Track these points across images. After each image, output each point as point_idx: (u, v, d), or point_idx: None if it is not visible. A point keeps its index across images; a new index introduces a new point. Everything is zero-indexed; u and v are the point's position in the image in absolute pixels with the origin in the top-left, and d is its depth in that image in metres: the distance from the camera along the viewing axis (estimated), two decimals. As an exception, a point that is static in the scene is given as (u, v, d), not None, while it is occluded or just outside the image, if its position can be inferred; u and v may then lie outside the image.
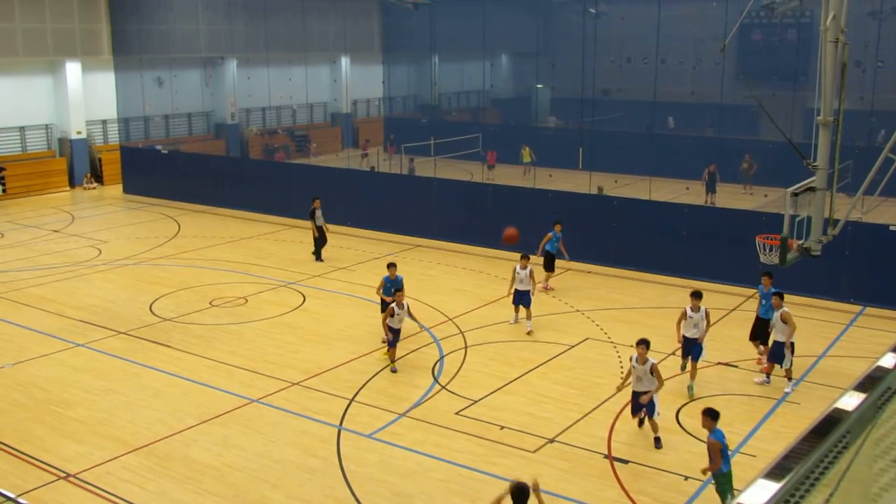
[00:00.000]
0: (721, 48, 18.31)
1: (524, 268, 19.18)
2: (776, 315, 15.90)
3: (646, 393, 13.76)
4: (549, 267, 22.60)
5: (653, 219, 24.52)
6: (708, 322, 16.05)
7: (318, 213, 25.60)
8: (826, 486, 2.86)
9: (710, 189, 32.28)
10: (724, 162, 33.75)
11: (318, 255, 25.92)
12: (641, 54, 38.66)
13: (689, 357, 16.13)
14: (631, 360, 14.01)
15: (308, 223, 26.07)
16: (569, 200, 26.44)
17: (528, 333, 19.03)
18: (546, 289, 22.48)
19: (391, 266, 18.56)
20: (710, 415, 11.46)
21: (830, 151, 15.02)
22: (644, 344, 13.82)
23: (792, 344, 15.74)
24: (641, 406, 13.92)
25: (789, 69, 36.66)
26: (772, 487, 2.76)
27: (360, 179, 32.07)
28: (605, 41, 35.71)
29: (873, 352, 18.15)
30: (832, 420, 3.07)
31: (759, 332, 17.13)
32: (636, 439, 14.10)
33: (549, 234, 22.38)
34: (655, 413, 13.87)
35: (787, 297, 21.55)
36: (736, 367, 17.13)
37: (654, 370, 13.69)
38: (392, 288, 17.83)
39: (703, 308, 15.89)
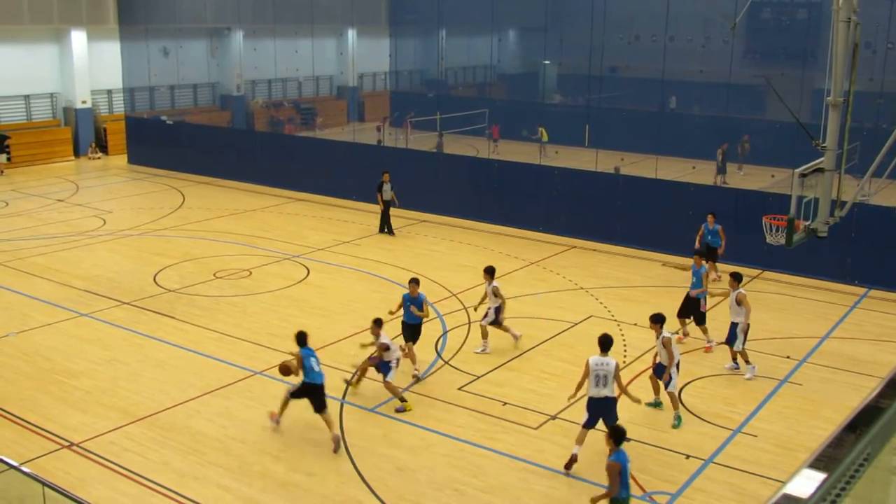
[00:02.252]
0: (732, 27, 18.19)
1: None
2: (732, 296, 15.67)
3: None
4: (713, 258, 20.98)
5: (658, 197, 24.45)
6: (670, 353, 13.77)
7: (387, 186, 25.53)
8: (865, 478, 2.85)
9: (722, 170, 32.13)
10: (732, 141, 33.62)
11: (386, 228, 25.88)
12: (650, 31, 38.36)
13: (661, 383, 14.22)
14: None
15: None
16: (574, 178, 26.37)
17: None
18: (717, 277, 21.00)
19: (413, 282, 15.89)
20: (613, 436, 10.33)
21: (839, 132, 14.93)
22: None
23: (747, 326, 15.51)
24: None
25: (799, 49, 36.37)
26: (818, 477, 2.74)
27: (364, 153, 31.98)
28: (613, 17, 35.35)
29: (877, 334, 18.17)
30: (872, 410, 3.05)
31: (689, 308, 17.15)
32: (638, 417, 14.11)
33: (702, 228, 21.12)
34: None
35: (790, 277, 21.67)
36: (739, 347, 17.12)
37: None
38: (410, 304, 15.61)
39: (662, 334, 13.81)
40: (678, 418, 13.90)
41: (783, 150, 28.20)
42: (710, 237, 21.08)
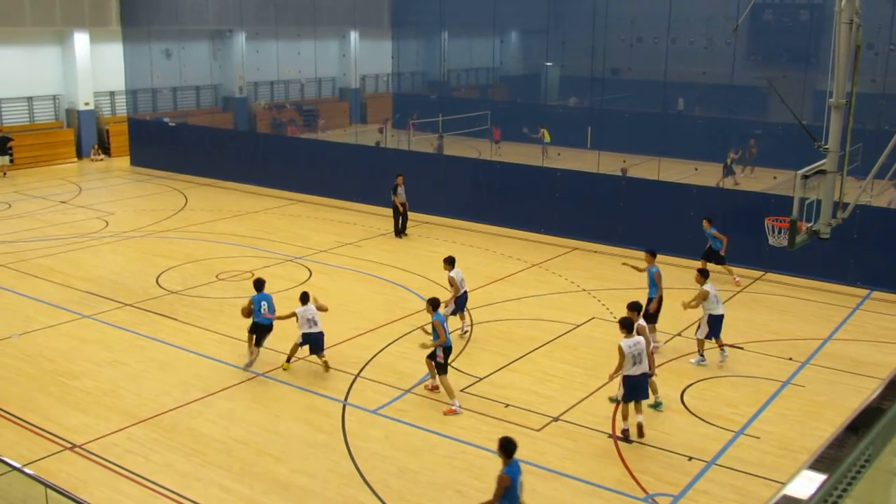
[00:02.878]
0: (734, 28, 18.20)
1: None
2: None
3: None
4: (718, 261, 21.22)
5: (660, 199, 24.45)
6: (646, 340, 13.66)
7: (400, 189, 25.59)
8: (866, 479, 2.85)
9: (730, 172, 31.97)
10: (734, 143, 33.59)
11: (399, 231, 25.97)
12: (652, 33, 38.38)
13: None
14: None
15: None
16: (576, 179, 26.38)
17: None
18: (736, 282, 21.37)
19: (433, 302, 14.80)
20: (504, 448, 9.88)
21: (841, 134, 14.94)
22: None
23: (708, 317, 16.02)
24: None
25: (801, 50, 36.38)
26: (818, 478, 2.74)
27: (366, 155, 32.01)
28: (615, 19, 35.43)
29: (879, 336, 18.16)
30: (873, 412, 3.05)
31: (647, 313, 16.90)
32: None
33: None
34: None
35: (793, 279, 21.70)
36: (741, 348, 17.12)
37: None
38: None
39: (638, 321, 13.93)
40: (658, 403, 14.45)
41: (785, 151, 28.18)
42: (710, 241, 21.26)
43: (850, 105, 14.85)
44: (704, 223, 21.23)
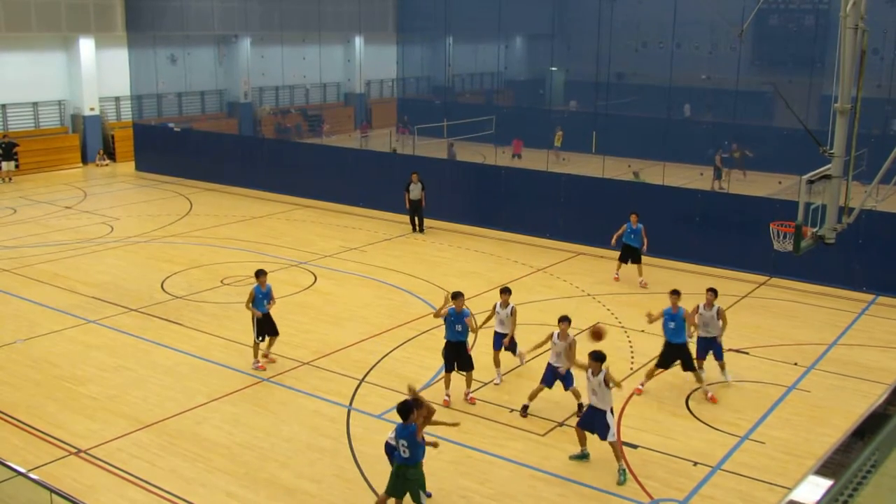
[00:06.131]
0: (739, 34, 18.21)
1: (505, 305, 15.71)
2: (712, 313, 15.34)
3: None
4: (623, 259, 21.79)
5: (665, 204, 24.41)
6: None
7: (413, 186, 26.22)
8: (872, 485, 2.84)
9: (718, 176, 31.96)
10: (725, 148, 33.55)
11: (418, 227, 26.73)
12: (657, 38, 38.42)
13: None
14: (552, 336, 14.33)
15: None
16: (581, 184, 26.37)
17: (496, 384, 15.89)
18: (616, 279, 22.06)
19: (458, 297, 14.74)
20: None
21: (847, 139, 14.92)
22: (566, 321, 14.31)
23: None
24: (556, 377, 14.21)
25: (806, 55, 36.40)
26: (824, 484, 2.73)
27: (372, 160, 32.03)
28: (620, 24, 35.45)
29: (885, 341, 18.11)
30: (879, 417, 3.04)
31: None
32: (646, 424, 14.10)
33: (624, 226, 21.58)
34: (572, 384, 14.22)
35: (798, 284, 21.64)
36: (746, 353, 17.09)
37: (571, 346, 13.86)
38: (456, 323, 14.62)
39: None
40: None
41: (791, 156, 28.11)
42: (632, 236, 21.54)
43: (856, 110, 14.83)
44: (632, 217, 21.43)
